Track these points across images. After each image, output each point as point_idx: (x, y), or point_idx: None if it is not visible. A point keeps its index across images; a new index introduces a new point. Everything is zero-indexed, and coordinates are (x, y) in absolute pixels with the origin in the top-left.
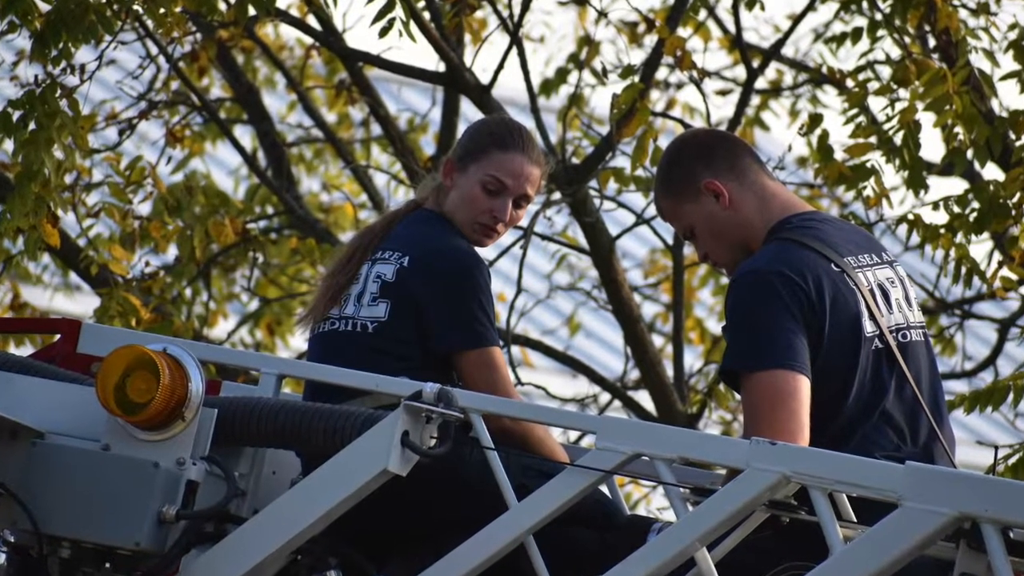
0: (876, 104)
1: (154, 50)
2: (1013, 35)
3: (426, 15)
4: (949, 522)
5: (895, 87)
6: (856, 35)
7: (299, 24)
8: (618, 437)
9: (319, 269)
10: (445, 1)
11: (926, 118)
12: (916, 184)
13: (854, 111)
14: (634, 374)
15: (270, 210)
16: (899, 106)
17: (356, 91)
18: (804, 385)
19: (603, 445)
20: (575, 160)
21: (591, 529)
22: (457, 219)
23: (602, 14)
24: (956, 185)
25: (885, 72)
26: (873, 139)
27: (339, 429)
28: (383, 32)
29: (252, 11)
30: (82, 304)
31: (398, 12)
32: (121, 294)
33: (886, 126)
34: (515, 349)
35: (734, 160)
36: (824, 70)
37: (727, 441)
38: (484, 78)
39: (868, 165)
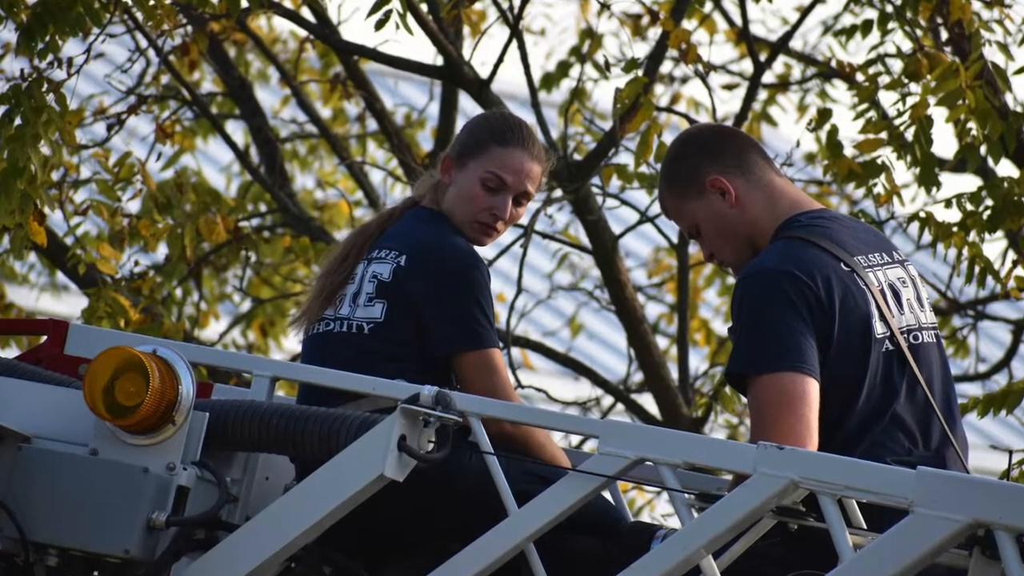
0: (887, 99)
1: (143, 43)
2: None
3: (423, 7)
4: (962, 529)
5: (906, 81)
6: (866, 28)
7: (293, 16)
8: (621, 441)
9: (313, 269)
10: None
11: (938, 113)
12: (928, 181)
13: (864, 106)
14: (637, 377)
15: (263, 208)
16: (910, 101)
17: (351, 85)
18: (813, 388)
19: (606, 450)
20: (577, 156)
21: (593, 536)
22: (456, 217)
23: (605, 6)
24: (969, 182)
25: (896, 66)
26: (884, 135)
27: (334, 433)
28: (379, 24)
29: (244, 3)
30: (69, 304)
31: (395, 4)
32: (109, 294)
33: (897, 121)
34: (515, 351)
35: (741, 156)
36: (833, 64)
37: (733, 445)
38: (483, 72)
39: (879, 161)
